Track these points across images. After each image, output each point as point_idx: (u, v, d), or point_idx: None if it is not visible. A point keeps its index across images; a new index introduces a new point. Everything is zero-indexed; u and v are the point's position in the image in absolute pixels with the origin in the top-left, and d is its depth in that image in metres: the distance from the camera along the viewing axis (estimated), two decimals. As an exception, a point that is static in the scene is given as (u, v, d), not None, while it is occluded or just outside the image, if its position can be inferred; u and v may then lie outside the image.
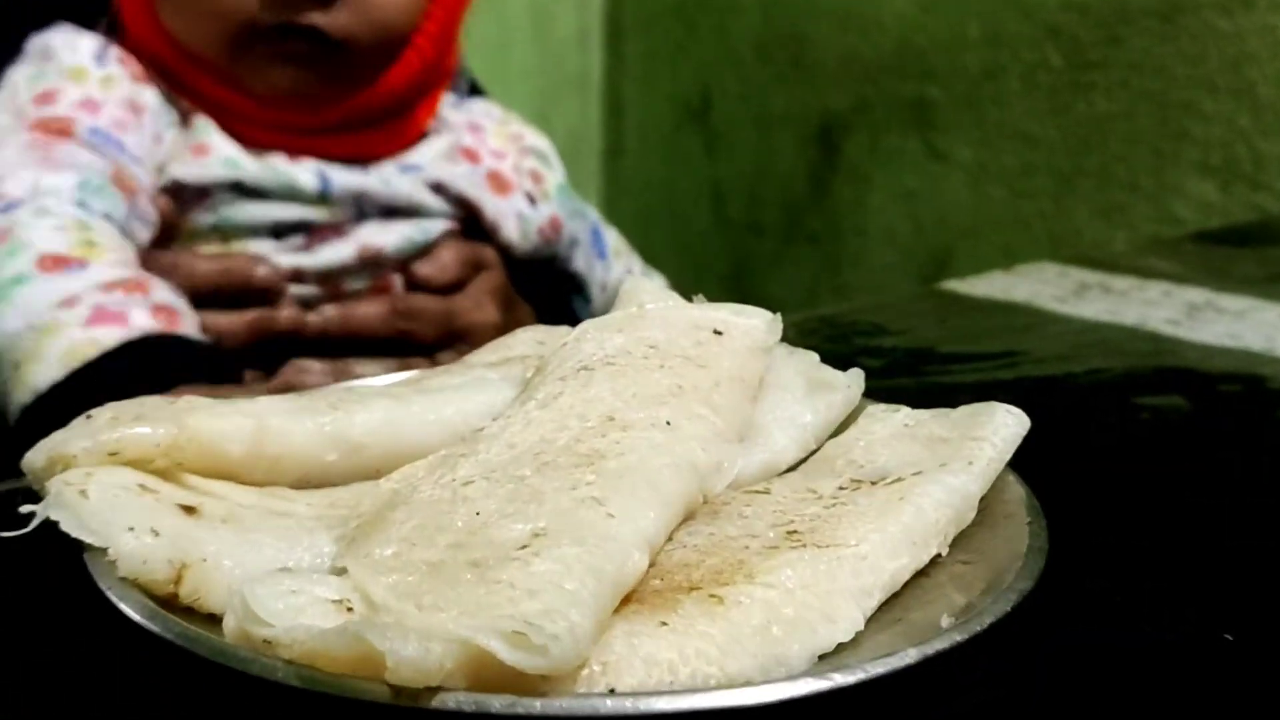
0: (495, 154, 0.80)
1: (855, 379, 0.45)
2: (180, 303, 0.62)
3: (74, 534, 0.32)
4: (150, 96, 0.69)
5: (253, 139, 0.70)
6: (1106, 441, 0.50)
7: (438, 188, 0.75)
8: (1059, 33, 1.22)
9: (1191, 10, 1.13)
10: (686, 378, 0.41)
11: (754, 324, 0.45)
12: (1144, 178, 1.18)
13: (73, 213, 0.61)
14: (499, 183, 0.78)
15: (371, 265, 0.73)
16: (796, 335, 0.66)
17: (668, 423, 0.38)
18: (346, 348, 0.71)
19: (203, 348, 0.61)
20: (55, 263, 0.58)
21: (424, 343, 0.73)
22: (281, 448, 0.37)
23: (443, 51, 0.77)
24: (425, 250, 0.75)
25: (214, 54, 0.69)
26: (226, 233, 0.70)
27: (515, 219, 0.79)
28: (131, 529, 0.31)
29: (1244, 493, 0.45)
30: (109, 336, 0.57)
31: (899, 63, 1.34)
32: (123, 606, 0.30)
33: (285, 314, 0.70)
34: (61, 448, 0.35)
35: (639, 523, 0.33)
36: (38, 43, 0.71)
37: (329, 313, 0.71)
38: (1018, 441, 0.39)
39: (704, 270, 1.56)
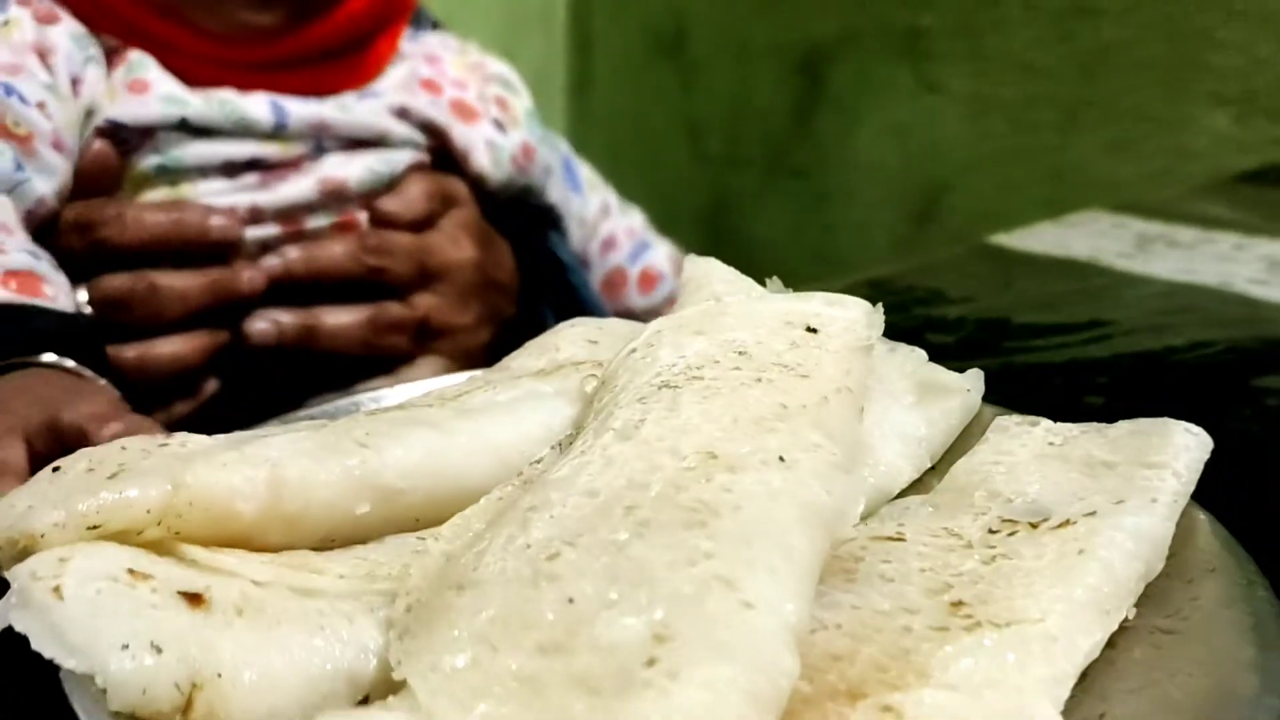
0: (456, 84, 0.73)
1: (974, 380, 0.38)
2: (42, 265, 0.54)
3: (49, 654, 0.24)
4: (59, 35, 0.61)
5: (197, 76, 0.63)
6: (1246, 438, 0.43)
7: (402, 113, 0.68)
8: None
9: None
10: (790, 394, 0.33)
11: (852, 316, 0.38)
12: (1154, 109, 1.12)
13: None
14: (464, 110, 0.72)
15: (334, 201, 0.66)
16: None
17: (781, 458, 0.30)
18: (313, 293, 0.64)
19: (64, 317, 0.53)
20: None
21: (397, 284, 0.67)
22: (302, 502, 0.30)
23: None
24: (391, 184, 0.68)
25: None
26: (174, 175, 0.62)
27: (486, 146, 0.72)
28: (126, 646, 0.24)
29: None
30: None
31: None
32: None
33: (247, 275, 0.62)
34: (25, 524, 0.27)
35: (783, 612, 0.26)
36: None
37: (292, 254, 0.64)
38: (1201, 468, 0.32)
39: (680, 207, 1.49)
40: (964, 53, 1.23)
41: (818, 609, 0.28)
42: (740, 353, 0.35)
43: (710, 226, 1.48)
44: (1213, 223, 0.69)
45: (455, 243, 0.69)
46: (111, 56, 0.61)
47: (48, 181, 0.57)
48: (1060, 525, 0.31)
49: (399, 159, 0.67)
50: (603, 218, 0.85)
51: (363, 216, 0.66)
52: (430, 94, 0.70)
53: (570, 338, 0.41)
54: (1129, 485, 0.32)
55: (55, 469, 0.29)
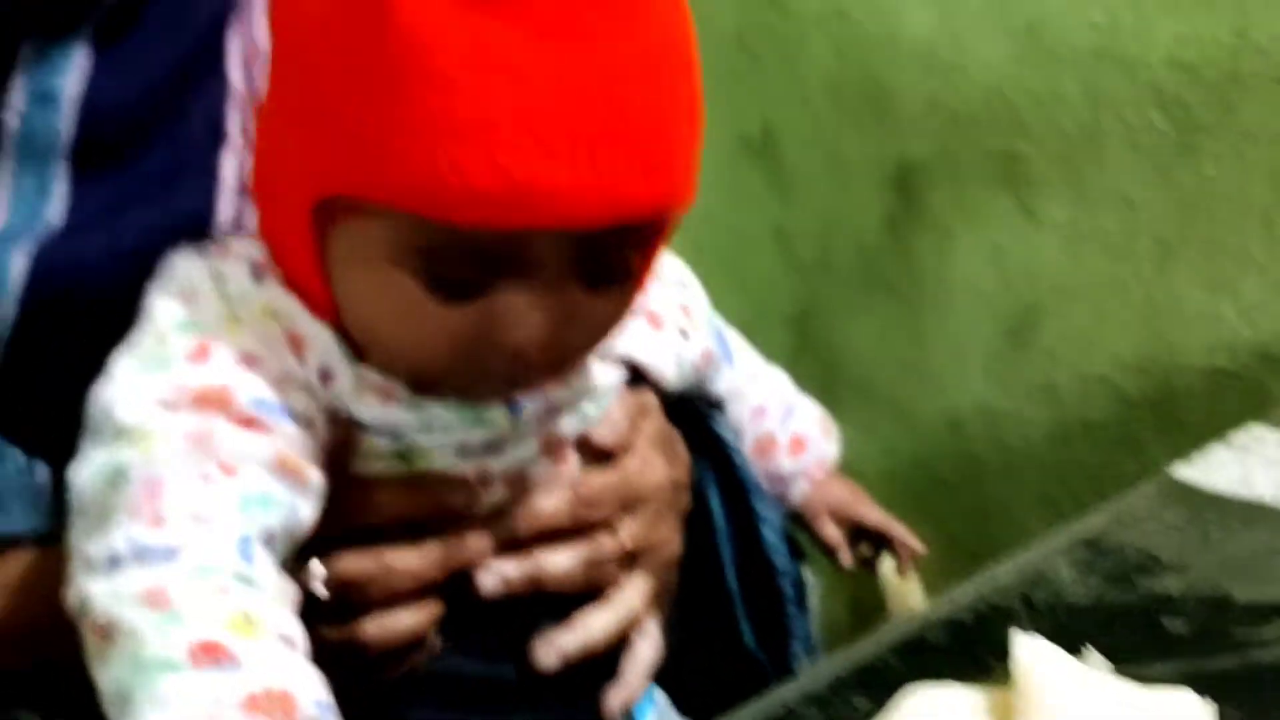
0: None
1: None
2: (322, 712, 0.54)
3: None
4: (319, 328, 0.62)
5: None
6: None
7: (604, 357, 0.71)
8: (1164, 95, 1.19)
9: None
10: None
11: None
12: (1254, 249, 1.16)
13: (234, 564, 0.53)
14: (653, 319, 0.74)
15: (552, 450, 0.69)
16: (1076, 573, 0.63)
17: None
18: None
19: None
20: (207, 653, 0.51)
21: (606, 520, 0.70)
22: None
23: None
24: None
25: (421, 379, 0.63)
26: (410, 457, 0.65)
27: (673, 359, 0.75)
28: None
29: None
30: None
31: (988, 114, 1.31)
32: None
33: (473, 543, 0.66)
34: None
35: None
36: (183, 271, 0.64)
37: (519, 517, 0.67)
38: None
39: (768, 313, 1.54)
40: (1062, 181, 1.27)
41: None
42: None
43: (798, 333, 1.53)
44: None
45: (649, 465, 0.72)
46: (359, 354, 0.62)
47: (315, 504, 0.59)
48: None
49: (607, 399, 0.70)
50: (751, 384, 0.88)
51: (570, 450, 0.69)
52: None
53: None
54: None
55: None
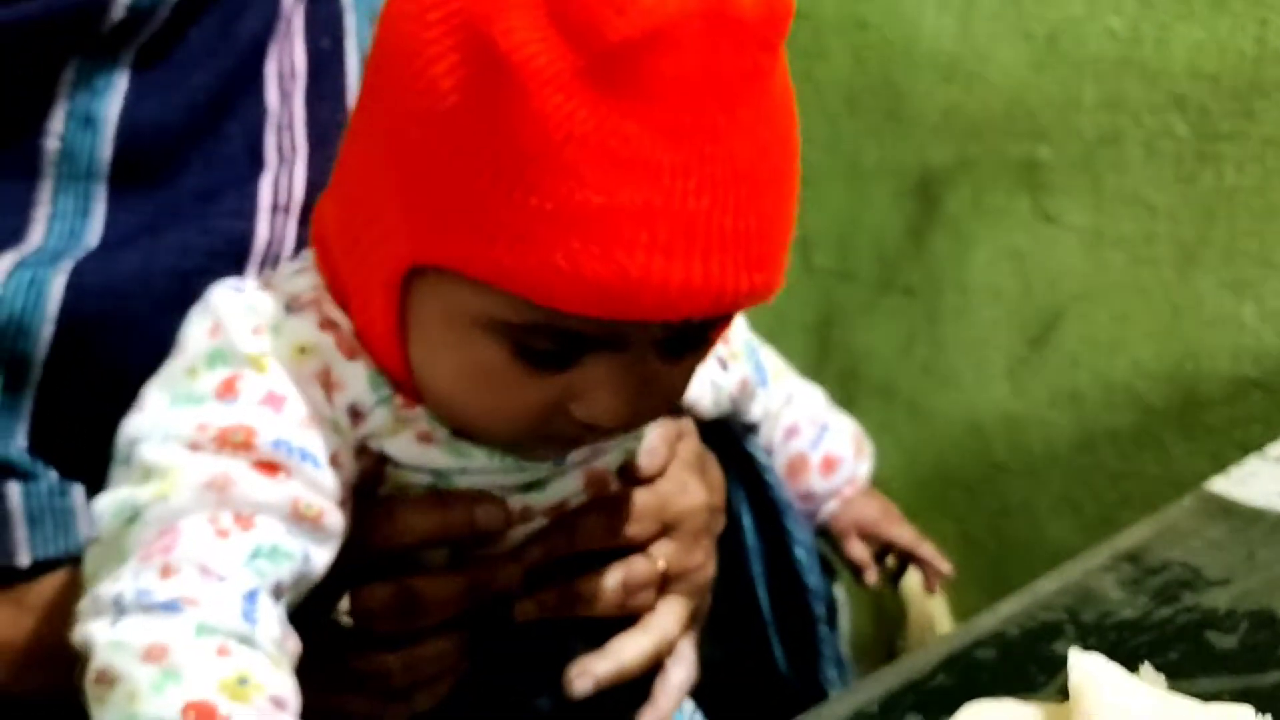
0: None
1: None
2: None
3: None
4: (356, 373, 0.62)
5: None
6: None
7: None
8: (1185, 101, 1.20)
9: None
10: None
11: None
12: (1274, 253, 1.18)
13: (235, 625, 0.54)
14: None
15: (595, 484, 0.69)
16: (1121, 589, 0.64)
17: None
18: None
19: None
20: (199, 714, 0.51)
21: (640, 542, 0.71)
22: None
23: None
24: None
25: (489, 440, 0.64)
26: (446, 490, 0.65)
27: (710, 389, 0.77)
28: None
29: None
30: None
31: (1007, 121, 1.32)
32: None
33: (503, 573, 0.66)
34: None
35: None
36: (218, 303, 0.64)
37: (557, 539, 0.68)
38: None
39: (788, 317, 1.55)
40: (1082, 187, 1.28)
41: None
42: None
43: (818, 338, 1.54)
44: None
45: (685, 489, 0.73)
46: (402, 401, 0.63)
47: (332, 547, 0.60)
48: None
49: (649, 431, 0.71)
50: (785, 406, 0.88)
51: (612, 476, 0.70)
52: None
53: None
54: None
55: None
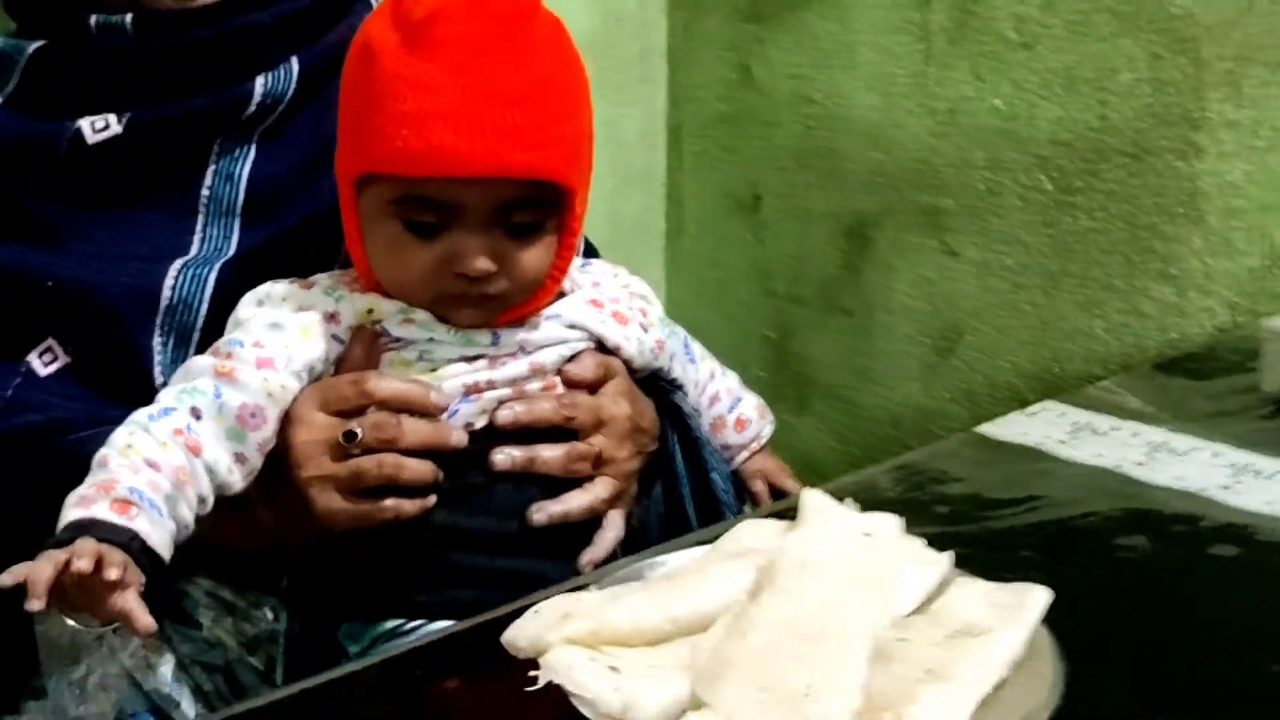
0: (613, 300, 1.06)
1: (949, 557, 0.75)
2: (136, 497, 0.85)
3: (573, 689, 0.62)
4: (341, 305, 0.97)
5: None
6: (1096, 579, 0.81)
7: (574, 326, 1.02)
8: (1048, 163, 1.46)
9: (1156, 154, 1.38)
10: (857, 571, 0.71)
11: (890, 524, 0.76)
12: (1117, 280, 1.43)
13: (142, 421, 0.90)
14: (619, 318, 1.05)
15: (539, 374, 0.99)
16: (892, 483, 0.97)
17: (855, 605, 0.69)
18: (529, 435, 0.98)
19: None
20: (98, 461, 0.87)
21: (580, 430, 1.00)
22: (647, 629, 0.68)
23: (566, 272, 1.02)
24: (572, 360, 1.02)
25: (414, 304, 0.96)
26: (431, 361, 0.96)
27: (635, 342, 1.05)
28: (615, 689, 0.62)
29: (1201, 616, 0.75)
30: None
31: (918, 177, 1.59)
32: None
33: (455, 435, 0.96)
34: (541, 638, 0.65)
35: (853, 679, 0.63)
36: (264, 288, 1.00)
37: (517, 408, 0.97)
38: (1046, 607, 0.70)
39: (751, 334, 1.83)
40: (975, 229, 1.55)
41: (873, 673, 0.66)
42: (831, 554, 0.73)
43: (777, 350, 1.82)
44: (1128, 413, 1.06)
45: (615, 402, 1.02)
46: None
47: (242, 395, 0.91)
48: (980, 634, 0.68)
49: (577, 349, 1.01)
50: (709, 380, 1.18)
51: (557, 381, 1.00)
52: (596, 309, 1.03)
53: (750, 534, 0.79)
54: (1013, 617, 0.69)
55: (536, 611, 0.67)
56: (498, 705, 0.70)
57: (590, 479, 1.01)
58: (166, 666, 1.03)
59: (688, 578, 0.73)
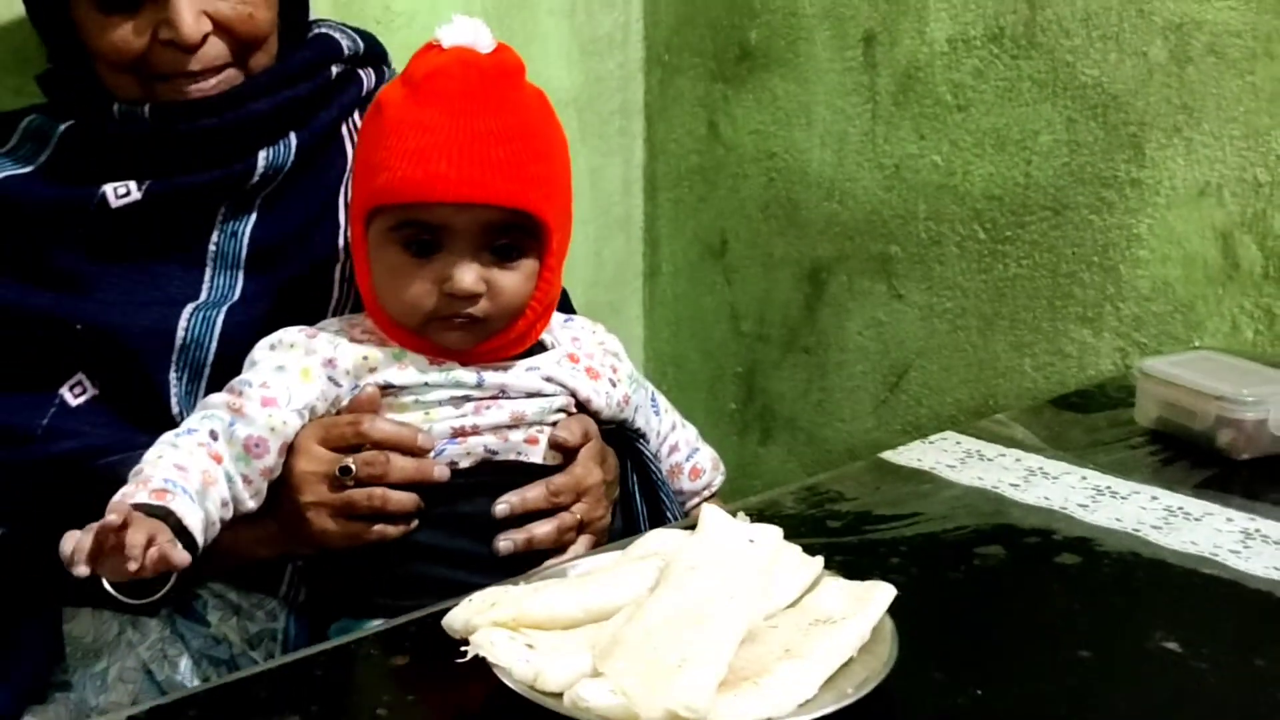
0: (588, 355, 1.18)
1: (819, 561, 0.90)
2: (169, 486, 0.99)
3: (493, 661, 0.78)
4: (341, 351, 1.09)
5: (434, 360, 1.11)
6: (950, 581, 0.96)
7: (551, 379, 1.13)
8: (982, 215, 1.61)
9: (1073, 209, 1.52)
10: (740, 569, 0.86)
11: (772, 534, 0.91)
12: (1043, 323, 1.57)
13: (170, 439, 1.05)
14: (591, 373, 1.17)
15: (520, 423, 1.11)
16: (795, 501, 1.12)
17: (731, 596, 0.84)
18: (514, 472, 1.12)
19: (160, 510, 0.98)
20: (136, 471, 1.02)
21: (564, 505, 1.13)
22: (561, 616, 0.83)
23: (549, 308, 1.13)
24: (551, 413, 1.13)
25: (410, 326, 1.09)
26: (424, 404, 1.09)
27: (604, 395, 1.17)
28: (526, 661, 0.77)
29: (1032, 612, 0.90)
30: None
31: (868, 227, 1.72)
32: (517, 689, 0.77)
33: (438, 470, 1.08)
34: (470, 621, 0.81)
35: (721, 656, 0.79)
36: (275, 335, 1.13)
37: (513, 500, 1.10)
38: (890, 600, 0.84)
39: (723, 370, 1.95)
40: (919, 275, 1.68)
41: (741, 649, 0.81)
42: (719, 557, 0.88)
43: (745, 384, 1.94)
44: (1014, 442, 1.21)
45: (590, 472, 1.12)
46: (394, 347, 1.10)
47: (250, 428, 1.05)
48: (836, 621, 0.83)
49: (555, 402, 1.14)
50: (671, 431, 1.31)
51: (541, 438, 1.13)
52: (571, 364, 1.13)
53: (653, 541, 0.94)
54: (863, 606, 0.84)
55: (470, 600, 0.83)
56: (438, 679, 0.85)
57: (575, 540, 1.14)
58: (184, 660, 1.18)
59: (600, 575, 0.88)
